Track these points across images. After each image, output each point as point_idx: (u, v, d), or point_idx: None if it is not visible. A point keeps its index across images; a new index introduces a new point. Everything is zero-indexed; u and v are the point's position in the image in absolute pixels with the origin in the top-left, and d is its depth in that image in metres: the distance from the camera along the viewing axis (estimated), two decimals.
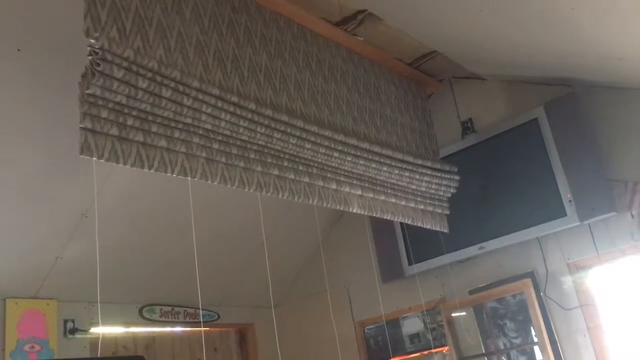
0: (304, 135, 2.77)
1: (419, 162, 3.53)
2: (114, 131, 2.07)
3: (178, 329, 4.61)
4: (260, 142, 2.62)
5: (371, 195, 3.25)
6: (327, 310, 4.06)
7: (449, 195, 3.86)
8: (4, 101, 2.75)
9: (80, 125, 1.99)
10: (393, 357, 4.48)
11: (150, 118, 2.19)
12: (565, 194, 3.69)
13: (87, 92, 1.98)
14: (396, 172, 3.36)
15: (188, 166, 2.33)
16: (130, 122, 2.12)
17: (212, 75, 2.46)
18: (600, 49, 3.22)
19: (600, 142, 3.75)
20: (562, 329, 3.81)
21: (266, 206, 3.31)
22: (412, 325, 4.52)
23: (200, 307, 4.54)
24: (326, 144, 2.89)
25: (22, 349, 3.48)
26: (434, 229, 3.78)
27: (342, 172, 3.07)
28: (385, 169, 3.27)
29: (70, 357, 3.69)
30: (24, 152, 3.01)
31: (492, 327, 4.12)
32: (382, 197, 3.33)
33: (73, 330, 3.79)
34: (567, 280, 3.85)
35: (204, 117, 2.35)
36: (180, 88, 2.23)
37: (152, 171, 2.20)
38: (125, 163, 2.10)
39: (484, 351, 4.13)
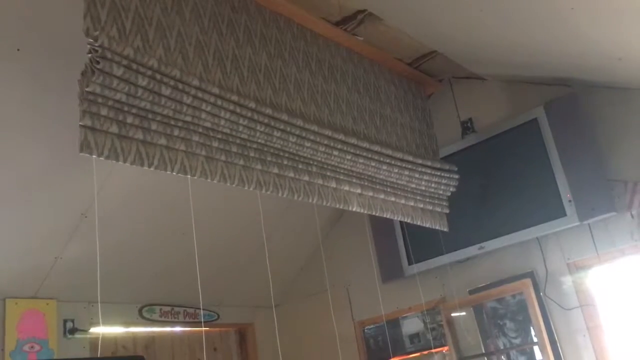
0: (304, 134, 2.77)
1: (419, 161, 3.53)
2: (114, 129, 2.07)
3: (178, 329, 4.61)
4: (259, 141, 2.62)
5: (371, 193, 3.26)
6: (327, 310, 4.06)
7: (449, 194, 3.86)
8: (4, 101, 2.75)
9: (80, 123, 1.99)
10: (393, 357, 4.48)
11: (150, 116, 2.19)
12: (565, 194, 3.69)
13: (87, 89, 1.98)
14: (396, 170, 3.36)
15: (188, 164, 2.33)
16: (130, 120, 2.12)
17: (212, 75, 2.46)
18: (599, 49, 3.22)
19: (600, 142, 3.75)
20: (562, 329, 3.81)
21: (266, 206, 3.31)
22: (412, 325, 4.52)
23: (201, 307, 4.54)
24: (326, 142, 2.90)
25: (22, 348, 3.48)
26: (433, 227, 3.78)
27: (342, 171, 3.08)
28: (384, 167, 3.28)
29: (70, 357, 3.69)
30: (24, 152, 3.00)
31: (492, 327, 4.12)
32: (382, 196, 3.33)
33: (73, 330, 3.79)
34: (567, 280, 3.85)
35: (203, 115, 2.35)
36: (180, 86, 2.23)
37: (151, 169, 2.20)
38: (125, 161, 2.10)
39: (483, 351, 4.13)
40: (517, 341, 4.03)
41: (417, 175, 3.53)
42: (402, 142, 3.56)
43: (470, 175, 4.01)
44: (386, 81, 3.67)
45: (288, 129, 2.69)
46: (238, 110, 2.46)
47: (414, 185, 3.56)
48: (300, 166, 2.83)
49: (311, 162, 2.90)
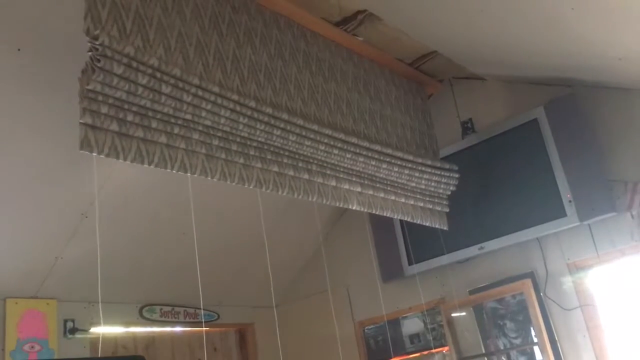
0: (304, 133, 2.78)
1: (419, 160, 3.54)
2: (114, 127, 2.08)
3: (178, 328, 4.61)
4: (260, 139, 2.62)
5: (371, 192, 3.26)
6: (328, 310, 4.07)
7: (449, 192, 3.86)
8: (4, 101, 2.75)
9: (81, 121, 1.99)
10: (393, 357, 4.48)
11: (150, 114, 2.20)
12: (565, 194, 3.70)
13: (88, 87, 1.98)
14: (396, 169, 3.36)
15: (188, 162, 2.33)
16: (130, 117, 2.13)
17: (212, 75, 2.46)
18: (600, 49, 3.22)
19: (600, 142, 3.76)
20: (562, 329, 3.81)
21: (266, 206, 3.31)
22: (412, 325, 4.52)
23: (201, 307, 4.54)
24: (326, 141, 2.90)
25: (22, 348, 3.48)
26: (433, 226, 3.78)
27: (342, 169, 3.08)
28: (384, 166, 3.28)
29: (70, 357, 3.69)
30: (24, 152, 3.01)
31: (492, 328, 4.12)
32: (382, 195, 3.33)
33: (73, 330, 3.79)
34: (567, 281, 3.85)
35: (204, 114, 2.35)
36: (180, 85, 2.24)
37: (152, 167, 2.20)
38: (125, 159, 2.10)
39: (483, 351, 4.13)
40: (517, 341, 4.03)
41: (417, 174, 3.53)
42: (402, 143, 3.56)
43: (470, 175, 4.02)
44: (386, 81, 3.68)
45: (288, 127, 2.70)
46: (238, 108, 2.47)
47: (414, 184, 3.56)
48: (300, 164, 2.84)
49: (311, 161, 2.90)
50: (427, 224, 3.73)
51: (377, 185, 3.31)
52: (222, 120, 2.43)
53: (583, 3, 2.62)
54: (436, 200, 3.78)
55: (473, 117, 4.34)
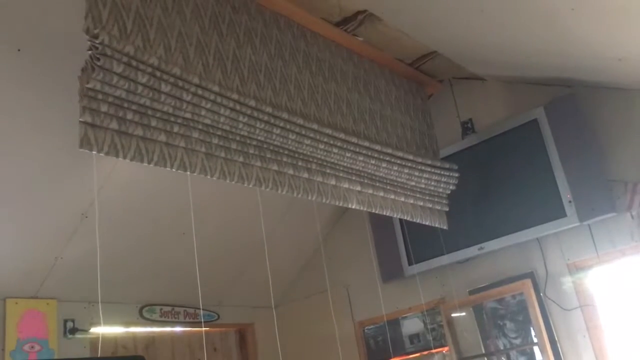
0: (303, 132, 2.78)
1: (419, 159, 3.54)
2: (114, 125, 2.08)
3: (178, 329, 4.61)
4: (259, 138, 2.63)
5: (370, 191, 3.26)
6: (327, 310, 4.07)
7: (449, 191, 3.86)
8: (5, 101, 2.76)
9: (80, 119, 1.99)
10: (393, 357, 4.48)
11: (149, 112, 2.20)
12: (565, 195, 3.70)
13: (87, 86, 1.99)
14: (395, 168, 3.36)
15: (187, 161, 2.33)
16: (129, 116, 2.13)
17: (212, 75, 2.46)
18: (600, 50, 3.22)
19: (600, 143, 3.76)
20: (562, 330, 3.81)
21: (266, 206, 3.31)
22: (412, 325, 4.52)
23: (201, 307, 4.55)
24: (325, 140, 2.90)
25: (22, 348, 3.48)
26: (433, 225, 3.78)
27: (341, 168, 3.08)
28: (384, 165, 3.28)
29: (70, 357, 3.69)
30: (25, 152, 3.01)
31: (492, 328, 4.12)
32: (381, 194, 3.33)
33: (73, 330, 3.79)
34: (567, 281, 3.85)
35: (203, 112, 2.36)
36: (180, 83, 2.24)
37: (151, 165, 2.21)
38: (124, 157, 2.10)
39: (483, 351, 4.13)
40: (517, 341, 4.03)
41: (417, 173, 3.53)
42: (402, 143, 3.56)
43: (470, 175, 4.02)
44: (386, 82, 3.68)
45: (288, 126, 2.70)
46: (238, 107, 2.47)
47: (413, 183, 3.56)
48: (299, 163, 2.84)
49: (311, 160, 2.90)
50: (427, 223, 3.73)
51: (377, 184, 3.31)
52: (222, 119, 2.43)
53: (583, 4, 2.62)
54: (436, 200, 3.78)
55: (473, 117, 4.34)
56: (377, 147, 3.21)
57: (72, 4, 2.27)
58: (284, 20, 3.01)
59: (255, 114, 2.55)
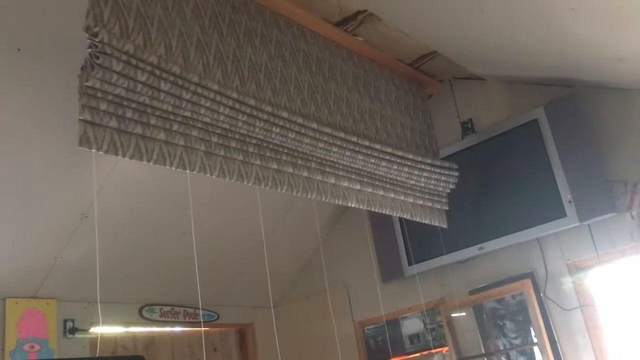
0: (303, 131, 2.78)
1: (419, 158, 3.54)
2: (113, 123, 2.08)
3: (178, 328, 4.61)
4: (259, 136, 2.63)
5: (370, 190, 3.26)
6: (327, 310, 4.06)
7: (448, 190, 3.86)
8: (4, 102, 2.75)
9: (80, 117, 1.99)
10: (393, 357, 4.48)
11: (149, 111, 2.20)
12: (565, 195, 3.70)
13: (87, 84, 1.99)
14: (395, 167, 3.36)
15: (187, 159, 2.33)
16: (129, 114, 2.13)
17: (212, 74, 2.46)
18: (600, 50, 3.22)
19: (600, 143, 3.75)
20: (562, 330, 3.81)
21: (266, 206, 3.31)
22: (411, 325, 4.52)
23: (200, 307, 4.54)
24: (325, 139, 2.91)
25: (22, 348, 3.48)
26: (432, 224, 3.78)
27: (341, 167, 3.08)
28: (384, 164, 3.28)
29: (70, 357, 3.69)
30: (24, 152, 3.01)
31: (492, 328, 4.12)
32: (381, 192, 3.33)
33: (73, 330, 3.79)
34: (567, 281, 3.85)
35: (203, 111, 2.36)
36: (180, 82, 2.24)
37: (151, 164, 2.21)
38: (124, 155, 2.10)
39: (483, 352, 4.13)
40: (517, 342, 4.03)
41: (416, 172, 3.53)
42: (402, 143, 3.56)
43: (470, 175, 4.02)
44: (386, 82, 3.68)
45: (287, 125, 2.70)
46: (237, 106, 2.47)
47: (413, 182, 3.56)
48: (299, 162, 2.84)
49: (310, 158, 2.91)
50: (427, 222, 3.73)
51: (377, 183, 3.31)
52: (222, 118, 2.44)
53: (583, 4, 2.62)
54: (436, 198, 3.78)
55: (473, 117, 4.34)
56: (377, 146, 3.21)
57: (72, 3, 2.27)
58: (284, 20, 3.01)
59: (255, 112, 2.55)
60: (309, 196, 2.89)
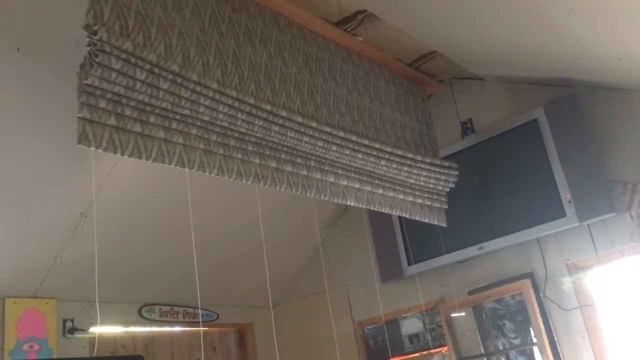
0: (302, 129, 2.78)
1: (418, 157, 3.54)
2: (112, 121, 2.08)
3: (177, 328, 4.60)
4: (258, 135, 2.63)
5: (369, 188, 3.26)
6: (327, 310, 4.06)
7: (448, 189, 3.86)
8: (3, 101, 2.75)
9: (79, 115, 1.99)
10: (392, 357, 4.48)
11: (148, 109, 2.20)
12: (565, 195, 3.70)
13: (85, 82, 1.99)
14: (394, 166, 3.36)
15: (186, 157, 2.33)
16: (128, 112, 2.13)
17: (212, 74, 2.46)
18: (600, 50, 3.22)
19: (600, 143, 3.76)
20: (561, 330, 3.81)
21: (265, 206, 3.31)
22: (411, 325, 4.52)
23: (200, 307, 4.54)
24: (324, 137, 2.91)
25: (21, 348, 3.47)
26: (432, 223, 3.78)
27: (340, 165, 3.08)
28: (383, 163, 3.28)
29: (69, 357, 3.69)
30: (24, 152, 3.00)
31: (492, 328, 4.12)
32: (380, 191, 3.33)
33: (72, 330, 3.79)
34: (567, 281, 3.85)
35: (202, 109, 2.35)
36: (179, 80, 2.24)
37: (149, 161, 2.20)
38: (123, 153, 2.10)
39: (483, 352, 4.13)
40: (517, 342, 4.03)
41: (416, 171, 3.53)
42: (401, 143, 3.56)
43: (470, 175, 4.02)
44: (386, 81, 3.67)
45: (286, 124, 2.70)
46: (237, 105, 2.47)
47: (412, 181, 3.56)
48: (298, 160, 2.84)
49: (309, 157, 2.91)
50: (426, 221, 3.73)
51: (376, 182, 3.31)
52: (221, 116, 2.43)
53: (583, 4, 2.62)
54: (435, 197, 3.78)
55: (473, 117, 4.34)
56: (376, 145, 3.21)
57: (72, 3, 2.27)
58: (284, 20, 3.01)
59: (254, 111, 2.55)
60: (308, 194, 2.89)
